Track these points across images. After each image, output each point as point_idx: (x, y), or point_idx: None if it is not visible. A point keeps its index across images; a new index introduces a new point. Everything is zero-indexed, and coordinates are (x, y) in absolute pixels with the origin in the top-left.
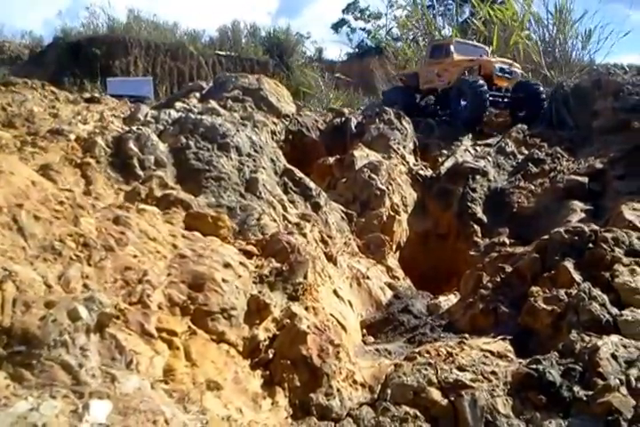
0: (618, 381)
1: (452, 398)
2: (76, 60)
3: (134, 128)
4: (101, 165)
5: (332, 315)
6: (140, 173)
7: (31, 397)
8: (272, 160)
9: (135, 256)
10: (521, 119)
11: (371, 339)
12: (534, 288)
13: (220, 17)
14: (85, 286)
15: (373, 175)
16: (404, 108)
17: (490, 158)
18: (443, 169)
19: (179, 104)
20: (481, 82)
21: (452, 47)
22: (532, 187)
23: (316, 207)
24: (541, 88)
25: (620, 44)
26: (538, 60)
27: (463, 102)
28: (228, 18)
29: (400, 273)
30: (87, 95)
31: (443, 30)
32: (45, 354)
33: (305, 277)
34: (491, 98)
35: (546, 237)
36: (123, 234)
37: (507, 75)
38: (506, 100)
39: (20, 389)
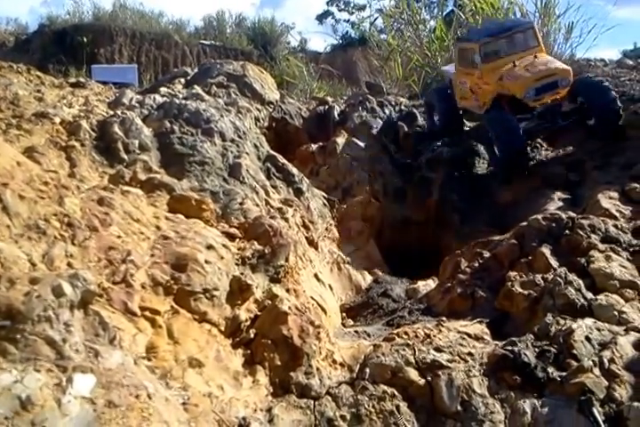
0: (591, 362)
1: (429, 378)
2: (62, 48)
3: (119, 112)
4: (86, 148)
5: (312, 297)
6: (125, 156)
7: (15, 370)
8: (255, 146)
9: (119, 237)
10: (595, 131)
11: (350, 322)
12: (511, 273)
13: (205, 6)
14: (69, 264)
15: (355, 163)
16: (444, 125)
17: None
18: (423, 157)
19: (163, 89)
20: (507, 117)
21: (476, 56)
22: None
23: (299, 193)
24: (606, 83)
25: (600, 39)
26: None
27: (495, 145)
28: (213, 7)
29: (380, 258)
30: (72, 80)
31: (428, 23)
32: (29, 329)
33: (286, 260)
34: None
35: (524, 223)
36: (107, 215)
37: (549, 92)
38: (561, 119)
39: (5, 362)
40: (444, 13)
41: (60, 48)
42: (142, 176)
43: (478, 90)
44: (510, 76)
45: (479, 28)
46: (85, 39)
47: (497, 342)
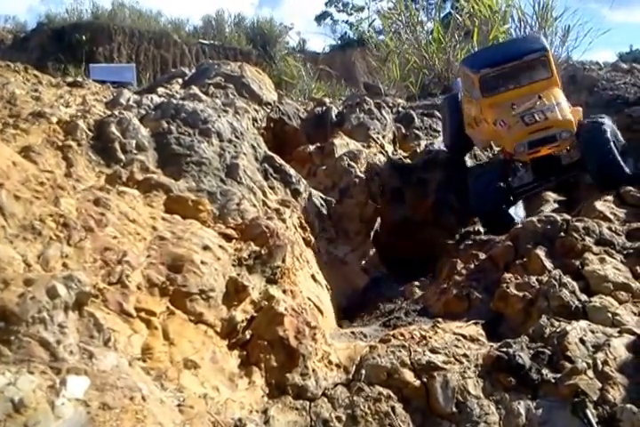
0: (585, 364)
1: (425, 380)
2: (60, 46)
3: (116, 112)
4: (83, 147)
5: (309, 298)
6: (122, 156)
7: (8, 372)
8: (253, 146)
9: (115, 237)
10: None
11: (347, 323)
12: (507, 275)
13: (204, 6)
14: (65, 265)
15: (353, 163)
16: (452, 144)
17: None
18: (420, 159)
19: (161, 89)
20: (487, 174)
21: (475, 91)
22: None
23: (296, 194)
24: (605, 125)
25: (596, 42)
26: None
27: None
28: (212, 7)
29: (377, 260)
30: (70, 79)
31: (426, 25)
32: (23, 330)
33: (283, 261)
34: (521, 189)
35: (519, 225)
36: (103, 215)
37: (547, 145)
38: (558, 174)
39: None
40: (442, 15)
41: (58, 46)
42: (139, 176)
43: (479, 124)
44: (503, 122)
45: (482, 51)
46: (84, 38)
47: (492, 344)
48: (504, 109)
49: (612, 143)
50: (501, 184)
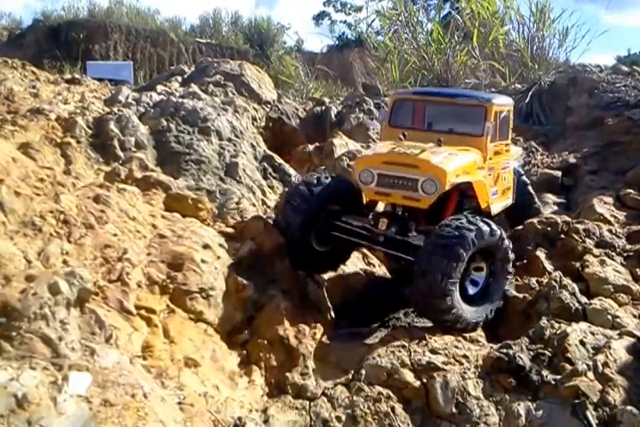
0: (585, 366)
1: (425, 380)
2: (56, 44)
3: (115, 109)
4: (81, 145)
5: (308, 297)
6: (121, 154)
7: (11, 368)
8: (252, 145)
9: (115, 235)
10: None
11: (346, 323)
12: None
13: (201, 5)
14: (65, 262)
15: (352, 163)
16: None
17: None
18: None
19: (160, 87)
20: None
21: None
22: None
23: None
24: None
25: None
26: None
27: None
28: (209, 6)
29: (375, 260)
30: (68, 76)
31: (425, 25)
32: (25, 327)
33: (282, 261)
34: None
35: (520, 227)
36: (103, 212)
37: (400, 191)
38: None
39: (0, 360)
40: (441, 16)
41: (54, 44)
42: (138, 174)
43: None
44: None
45: None
46: (80, 35)
47: (492, 345)
48: None
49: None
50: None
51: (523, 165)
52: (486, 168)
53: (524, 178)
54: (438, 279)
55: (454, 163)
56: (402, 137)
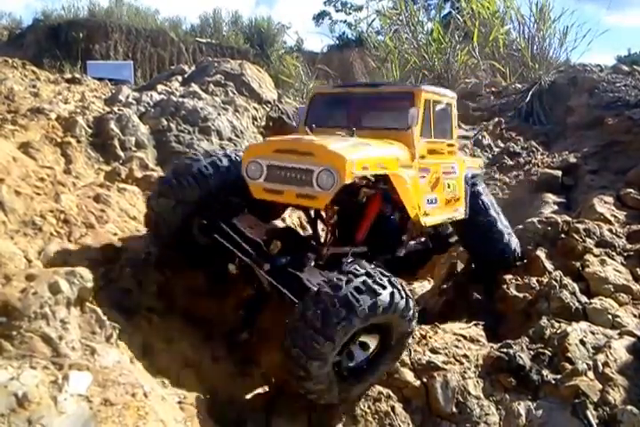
0: (585, 366)
1: (425, 380)
2: (56, 43)
3: (115, 109)
4: (82, 144)
5: None
6: (121, 153)
7: (11, 367)
8: None
9: (115, 234)
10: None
11: None
12: (507, 276)
13: (201, 4)
14: (65, 261)
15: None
16: None
17: (466, 150)
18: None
19: (160, 87)
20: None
21: None
22: (507, 179)
23: None
24: None
25: (593, 44)
26: (525, 57)
27: None
28: (209, 5)
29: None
30: (68, 76)
31: (425, 25)
32: (26, 326)
33: None
34: None
35: (520, 226)
36: (103, 212)
37: (295, 186)
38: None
39: (0, 359)
40: (442, 16)
41: (54, 43)
42: (138, 173)
43: None
44: None
45: None
46: (80, 35)
47: (492, 345)
48: None
49: None
50: None
51: (485, 186)
52: (416, 168)
53: (486, 198)
54: (309, 349)
55: (361, 152)
56: (308, 131)
